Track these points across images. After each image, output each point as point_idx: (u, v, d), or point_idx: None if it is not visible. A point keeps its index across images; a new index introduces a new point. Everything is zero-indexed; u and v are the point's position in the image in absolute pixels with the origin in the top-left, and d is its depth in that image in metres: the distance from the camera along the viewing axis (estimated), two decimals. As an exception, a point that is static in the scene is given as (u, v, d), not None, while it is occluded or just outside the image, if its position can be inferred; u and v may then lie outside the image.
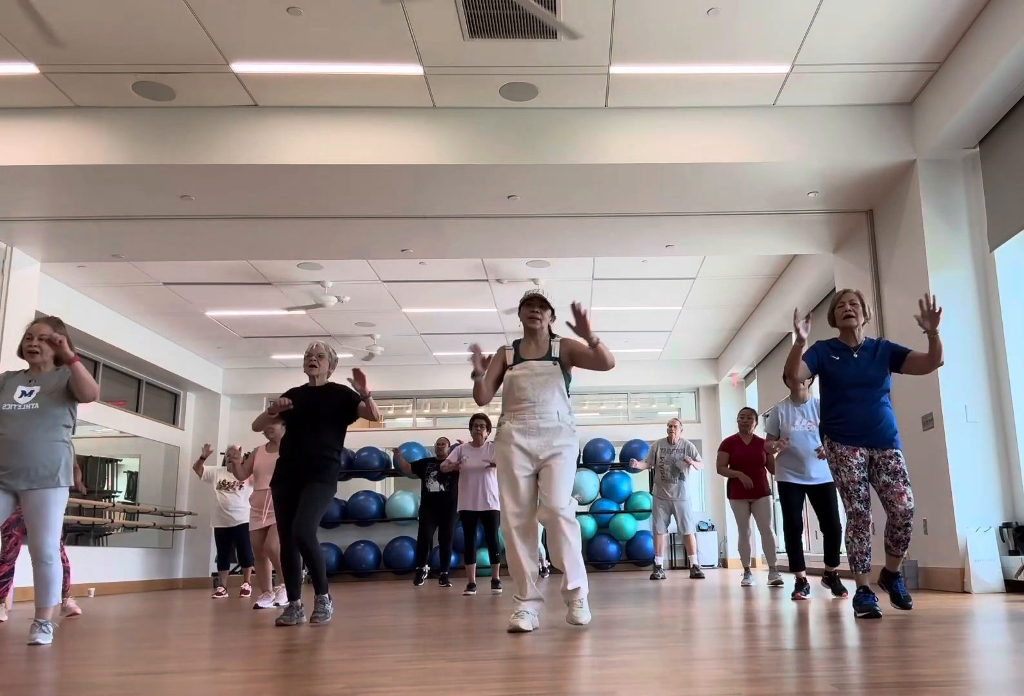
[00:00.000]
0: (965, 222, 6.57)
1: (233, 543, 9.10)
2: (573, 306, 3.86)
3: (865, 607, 4.05)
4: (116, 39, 5.70)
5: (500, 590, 7.57)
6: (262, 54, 5.92)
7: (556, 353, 4.11)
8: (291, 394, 4.89)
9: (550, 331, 4.25)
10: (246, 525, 8.80)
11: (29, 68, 5.99)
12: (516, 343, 4.23)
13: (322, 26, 5.62)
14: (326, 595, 4.74)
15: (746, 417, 7.64)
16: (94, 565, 10.96)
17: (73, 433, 4.22)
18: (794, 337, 4.19)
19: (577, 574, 3.90)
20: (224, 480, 8.94)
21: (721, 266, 9.83)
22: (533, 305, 4.14)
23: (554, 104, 6.68)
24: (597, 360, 4.00)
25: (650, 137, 6.70)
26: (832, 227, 7.98)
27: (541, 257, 8.76)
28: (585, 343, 4.03)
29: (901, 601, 4.20)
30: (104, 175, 6.65)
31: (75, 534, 10.76)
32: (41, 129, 6.52)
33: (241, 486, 8.81)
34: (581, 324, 3.89)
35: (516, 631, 3.77)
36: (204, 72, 6.13)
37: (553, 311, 4.22)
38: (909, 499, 4.09)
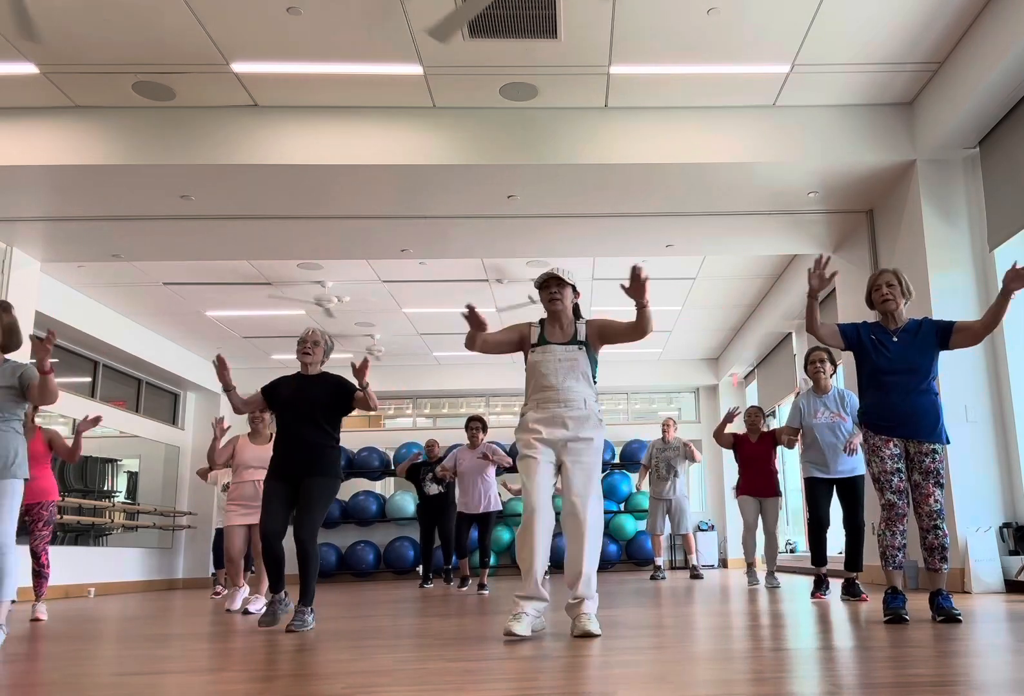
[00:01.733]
0: (965, 222, 6.57)
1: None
2: (634, 268, 3.57)
3: (891, 610, 3.75)
4: (116, 39, 5.70)
5: (486, 592, 7.53)
6: (262, 54, 5.92)
7: (582, 336, 3.86)
8: (280, 383, 4.68)
9: (576, 312, 3.99)
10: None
11: (29, 68, 5.99)
12: (542, 321, 3.97)
13: (322, 26, 5.62)
14: (309, 608, 4.36)
15: (753, 415, 7.38)
16: (94, 565, 10.96)
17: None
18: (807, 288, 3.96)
19: (589, 587, 3.56)
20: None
21: (721, 266, 9.83)
22: (551, 287, 3.88)
23: (554, 104, 6.68)
24: (638, 327, 3.73)
25: (650, 137, 6.70)
26: (832, 227, 7.98)
27: (541, 257, 8.76)
28: (610, 322, 3.85)
29: (946, 612, 3.75)
30: (104, 175, 6.65)
31: (75, 534, 10.76)
32: (41, 129, 6.52)
33: None
34: (636, 287, 3.61)
35: (510, 635, 3.43)
36: (204, 72, 6.13)
37: (574, 287, 3.94)
38: (936, 501, 3.83)
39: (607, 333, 3.87)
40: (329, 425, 4.57)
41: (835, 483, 5.65)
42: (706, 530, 13.75)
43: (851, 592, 5.47)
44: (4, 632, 3.79)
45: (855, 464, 5.64)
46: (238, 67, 6.07)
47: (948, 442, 3.95)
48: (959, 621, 3.71)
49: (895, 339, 3.98)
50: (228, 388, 4.60)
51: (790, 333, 11.38)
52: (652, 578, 9.10)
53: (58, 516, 6.31)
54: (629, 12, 5.52)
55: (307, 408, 4.53)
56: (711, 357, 14.43)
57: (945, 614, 3.73)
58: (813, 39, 5.84)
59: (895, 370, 3.93)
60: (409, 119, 6.68)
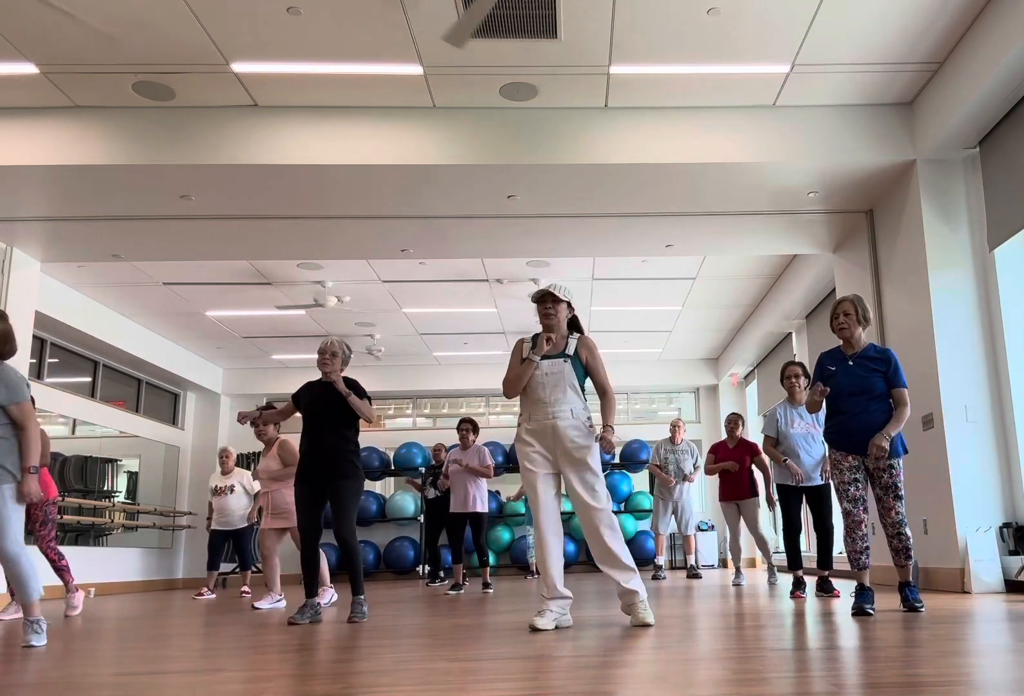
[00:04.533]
0: (965, 222, 6.57)
1: (227, 546, 9.11)
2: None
3: (854, 606, 4.14)
4: (116, 39, 5.69)
5: (491, 590, 7.57)
6: (262, 54, 5.92)
7: (570, 350, 4.07)
8: (305, 389, 4.94)
9: (574, 326, 4.19)
10: (246, 528, 8.86)
11: (29, 68, 5.99)
12: (535, 337, 4.16)
13: (322, 26, 5.62)
14: (362, 597, 4.79)
15: (732, 422, 7.83)
16: (94, 565, 10.96)
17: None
18: (809, 393, 4.51)
19: (629, 573, 3.85)
20: (216, 485, 9.00)
21: (721, 266, 9.83)
22: (546, 302, 4.09)
23: (554, 104, 6.68)
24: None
25: (650, 137, 6.70)
26: (832, 227, 7.98)
27: (541, 257, 8.76)
28: (597, 360, 4.08)
29: (909, 603, 4.27)
30: (104, 175, 6.65)
31: (75, 534, 10.76)
32: (41, 129, 6.52)
33: (232, 490, 8.86)
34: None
35: (533, 629, 3.78)
36: (204, 72, 6.13)
37: (570, 303, 4.14)
38: (898, 513, 4.23)
39: (588, 363, 4.10)
40: (348, 429, 4.83)
41: (805, 491, 5.98)
42: (706, 530, 13.75)
43: (824, 588, 5.82)
44: (43, 628, 3.97)
45: (822, 473, 5.98)
46: (238, 67, 6.07)
47: (903, 453, 4.27)
48: (918, 611, 4.24)
49: (851, 363, 4.36)
50: (259, 419, 5.07)
51: (790, 333, 11.39)
52: (653, 578, 9.14)
53: (58, 515, 6.36)
54: (629, 12, 5.52)
55: (326, 415, 4.80)
56: (711, 357, 14.43)
57: (908, 605, 4.27)
58: (813, 39, 5.84)
59: (850, 392, 4.32)
60: (409, 119, 6.68)
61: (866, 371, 4.31)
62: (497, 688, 2.28)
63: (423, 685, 2.37)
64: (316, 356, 5.04)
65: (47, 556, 6.22)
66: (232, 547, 9.21)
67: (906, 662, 2.52)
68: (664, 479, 9.10)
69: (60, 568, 6.25)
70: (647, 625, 3.78)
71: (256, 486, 8.95)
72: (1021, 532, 5.91)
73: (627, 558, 3.87)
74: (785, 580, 8.17)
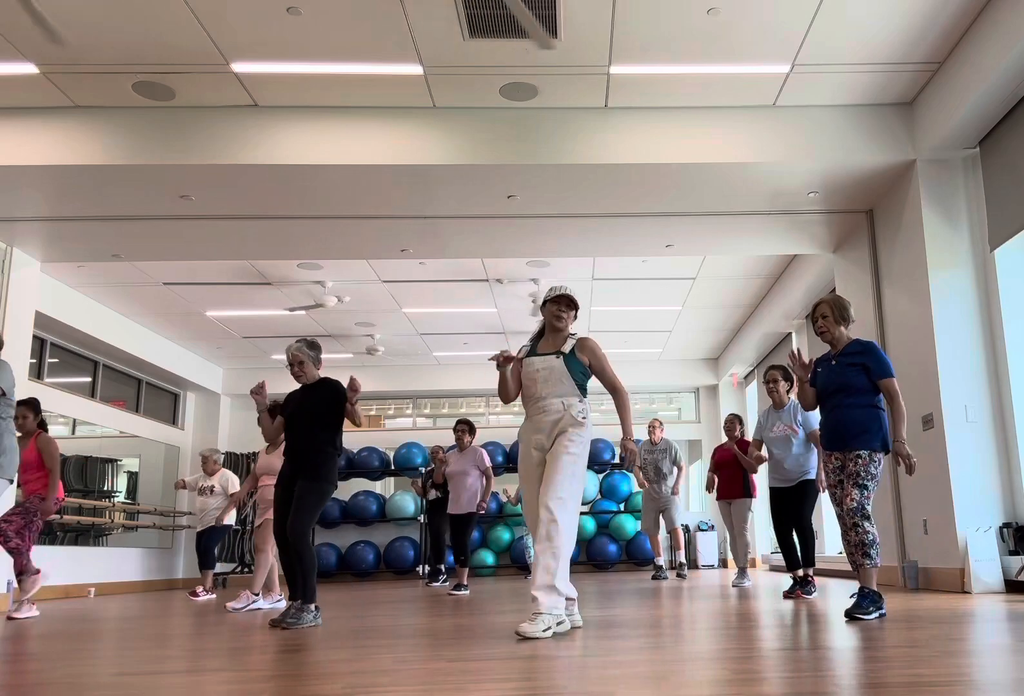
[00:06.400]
0: (965, 222, 6.57)
1: (211, 544, 9.09)
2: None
3: (847, 611, 3.98)
4: (116, 39, 5.70)
5: (464, 592, 7.49)
6: (262, 54, 5.92)
7: (566, 348, 4.05)
8: (288, 399, 4.88)
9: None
10: (225, 527, 8.84)
11: (29, 68, 5.99)
12: (535, 336, 4.18)
13: (322, 26, 5.62)
14: (311, 605, 4.53)
15: (729, 423, 7.90)
16: (94, 565, 10.96)
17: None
18: (796, 378, 4.47)
19: (542, 582, 3.58)
20: (201, 485, 9.01)
21: (721, 266, 9.83)
22: (560, 304, 4.07)
23: (554, 104, 6.68)
24: (615, 400, 4.15)
25: (650, 137, 6.70)
26: (832, 227, 7.98)
27: (541, 257, 8.76)
28: (600, 360, 4.04)
29: (849, 613, 3.94)
30: (104, 175, 6.65)
31: (75, 534, 10.76)
32: (41, 129, 6.52)
33: (213, 490, 8.86)
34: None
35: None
36: (204, 72, 6.13)
37: (577, 312, 4.13)
38: (853, 500, 4.02)
39: (592, 364, 4.07)
40: (325, 432, 4.70)
41: (786, 491, 6.05)
42: (706, 530, 13.75)
43: (802, 587, 5.81)
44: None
45: (801, 472, 6.00)
46: (238, 67, 6.07)
47: (879, 449, 4.11)
48: (851, 619, 3.90)
49: (833, 362, 4.31)
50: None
51: (790, 333, 11.38)
52: (654, 578, 9.12)
53: (57, 515, 6.33)
54: (629, 12, 5.52)
55: (304, 418, 4.72)
56: (711, 357, 14.43)
57: (847, 614, 3.93)
58: (813, 39, 5.84)
59: (829, 391, 4.27)
60: (409, 119, 6.68)
61: (844, 368, 4.21)
62: (497, 688, 2.28)
63: (423, 685, 2.37)
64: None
65: None
66: (224, 545, 9.18)
67: (906, 662, 2.52)
68: (640, 481, 9.20)
69: (10, 550, 5.85)
70: (519, 635, 3.45)
71: (236, 485, 8.92)
72: (1021, 532, 5.91)
73: (551, 568, 3.59)
74: (785, 580, 8.17)
